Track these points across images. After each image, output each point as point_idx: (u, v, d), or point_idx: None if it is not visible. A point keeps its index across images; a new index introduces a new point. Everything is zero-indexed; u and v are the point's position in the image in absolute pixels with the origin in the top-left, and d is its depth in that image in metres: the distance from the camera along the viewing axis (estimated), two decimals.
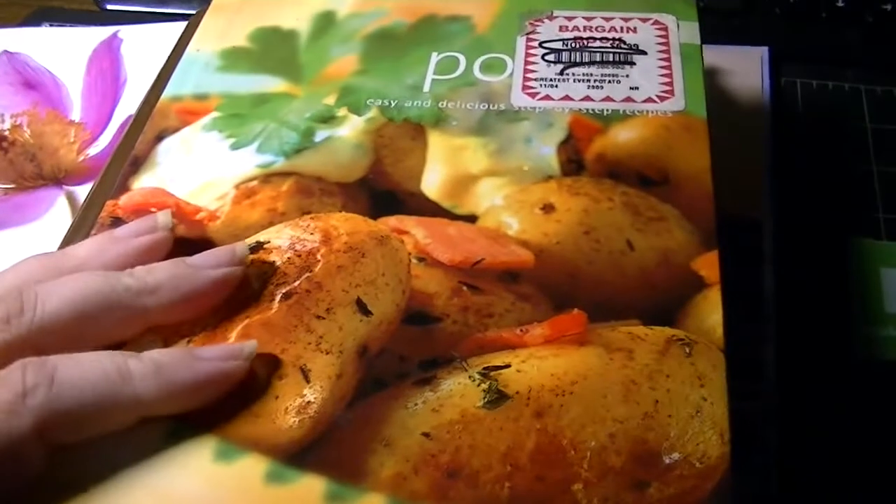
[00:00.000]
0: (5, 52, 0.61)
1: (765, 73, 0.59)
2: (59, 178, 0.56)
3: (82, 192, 0.55)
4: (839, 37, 0.65)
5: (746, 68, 0.58)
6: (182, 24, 0.54)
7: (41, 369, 0.31)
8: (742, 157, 0.47)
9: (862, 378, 0.46)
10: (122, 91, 0.58)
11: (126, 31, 0.63)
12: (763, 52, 0.60)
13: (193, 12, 0.56)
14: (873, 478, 0.43)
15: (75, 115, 0.58)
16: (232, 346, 0.34)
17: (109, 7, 0.73)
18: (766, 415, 0.43)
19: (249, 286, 0.36)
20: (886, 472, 0.43)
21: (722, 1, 0.66)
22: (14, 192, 0.55)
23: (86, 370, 0.32)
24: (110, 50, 0.60)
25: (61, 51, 0.62)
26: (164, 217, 0.39)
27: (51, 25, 0.70)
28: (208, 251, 0.37)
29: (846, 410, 0.45)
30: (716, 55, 0.55)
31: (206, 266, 0.36)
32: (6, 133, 0.56)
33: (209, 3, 0.54)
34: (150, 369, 0.32)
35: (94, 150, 0.57)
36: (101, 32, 0.63)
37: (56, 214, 0.54)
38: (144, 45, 0.60)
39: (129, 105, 0.57)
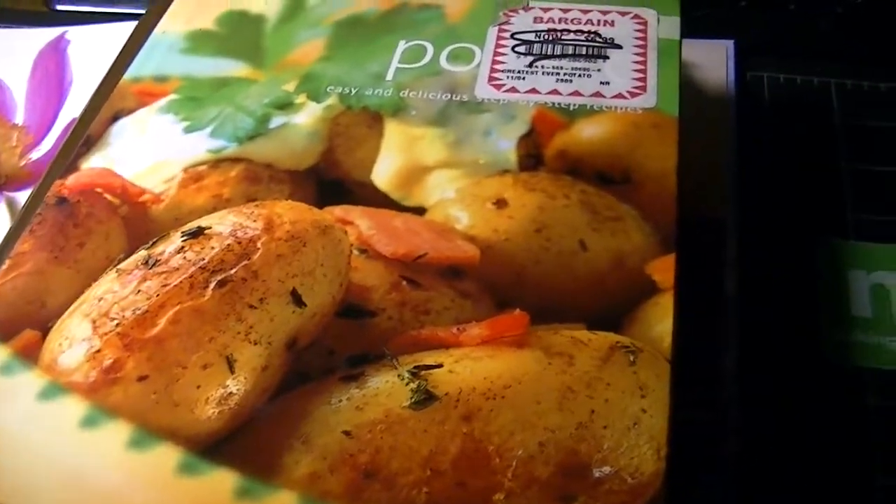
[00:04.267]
0: None
1: (730, 68, 0.56)
2: (0, 184, 0.54)
3: (23, 197, 0.52)
4: (808, 29, 0.62)
5: (711, 62, 0.56)
6: (132, 24, 0.53)
7: None
8: (705, 155, 0.45)
9: (831, 385, 0.44)
10: (67, 93, 0.56)
11: (74, 32, 0.61)
12: (728, 45, 0.58)
13: (143, 11, 0.54)
14: (842, 492, 0.41)
15: (18, 118, 0.57)
16: None
17: (59, 7, 0.69)
18: (725, 428, 0.41)
19: (186, 272, 0.35)
20: (855, 486, 0.41)
21: None
22: None
23: None
24: (57, 51, 0.59)
25: (7, 52, 0.60)
26: None
27: None
28: None
29: (814, 420, 0.43)
30: None
31: None
32: None
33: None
34: None
35: (36, 155, 0.55)
36: (48, 33, 0.61)
37: None
38: (93, 46, 0.59)
39: (73, 108, 0.55)
